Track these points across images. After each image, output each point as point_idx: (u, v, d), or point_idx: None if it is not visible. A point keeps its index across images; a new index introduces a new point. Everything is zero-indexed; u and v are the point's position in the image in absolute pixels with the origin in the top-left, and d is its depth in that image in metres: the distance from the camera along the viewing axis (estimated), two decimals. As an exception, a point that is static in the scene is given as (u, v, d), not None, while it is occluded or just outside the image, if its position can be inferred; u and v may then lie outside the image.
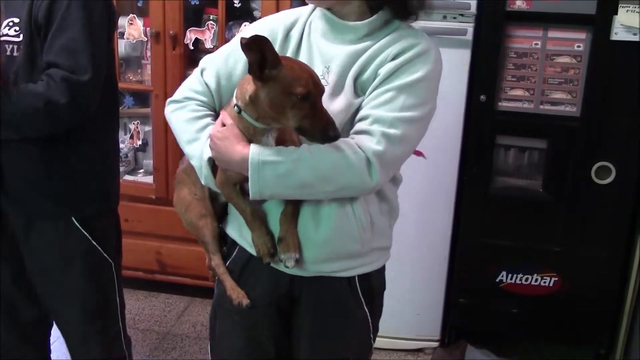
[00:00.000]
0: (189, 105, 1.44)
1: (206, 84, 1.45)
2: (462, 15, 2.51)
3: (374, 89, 1.32)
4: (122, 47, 3.09)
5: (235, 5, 2.90)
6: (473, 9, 2.50)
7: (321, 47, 1.39)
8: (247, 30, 1.47)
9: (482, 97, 2.55)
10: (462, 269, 2.77)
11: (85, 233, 1.84)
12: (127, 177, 3.19)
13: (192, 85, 1.47)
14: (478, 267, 2.74)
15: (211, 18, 2.93)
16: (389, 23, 1.38)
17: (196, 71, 1.49)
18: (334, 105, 1.33)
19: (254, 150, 1.27)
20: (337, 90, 1.35)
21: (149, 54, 3.07)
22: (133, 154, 3.29)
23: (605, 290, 2.66)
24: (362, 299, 1.49)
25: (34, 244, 1.84)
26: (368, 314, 1.51)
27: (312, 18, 1.44)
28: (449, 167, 2.67)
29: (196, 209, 1.52)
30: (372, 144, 1.27)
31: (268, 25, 1.45)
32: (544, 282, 2.67)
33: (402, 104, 1.29)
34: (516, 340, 2.86)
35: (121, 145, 3.25)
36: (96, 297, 1.93)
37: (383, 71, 1.32)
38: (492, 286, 2.72)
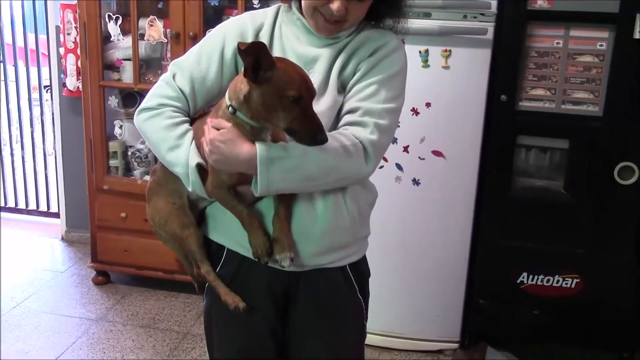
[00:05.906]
0: (165, 112, 1.42)
1: (180, 89, 1.44)
2: (482, 14, 2.50)
3: (356, 83, 1.41)
4: (142, 48, 3.11)
5: (255, 6, 2.91)
6: (494, 8, 2.49)
7: (298, 50, 1.44)
8: (215, 32, 1.49)
9: (503, 97, 2.54)
10: (483, 270, 2.75)
11: None
12: (147, 178, 3.20)
13: (164, 91, 1.44)
14: (498, 269, 2.72)
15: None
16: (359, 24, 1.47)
17: (166, 77, 1.46)
18: (321, 104, 1.38)
19: (261, 147, 1.29)
20: (322, 89, 1.40)
21: (169, 55, 3.09)
22: (153, 154, 3.31)
23: (628, 292, 2.63)
24: (356, 287, 1.54)
25: None
26: (362, 300, 1.57)
27: (280, 22, 1.48)
28: (469, 167, 2.66)
29: (177, 219, 1.50)
30: (367, 134, 1.35)
31: (237, 27, 1.47)
32: (566, 284, 2.65)
33: (384, 96, 1.38)
34: (537, 342, 2.83)
35: (141, 146, 3.28)
36: None
37: (364, 66, 1.41)
38: (513, 288, 2.70)
